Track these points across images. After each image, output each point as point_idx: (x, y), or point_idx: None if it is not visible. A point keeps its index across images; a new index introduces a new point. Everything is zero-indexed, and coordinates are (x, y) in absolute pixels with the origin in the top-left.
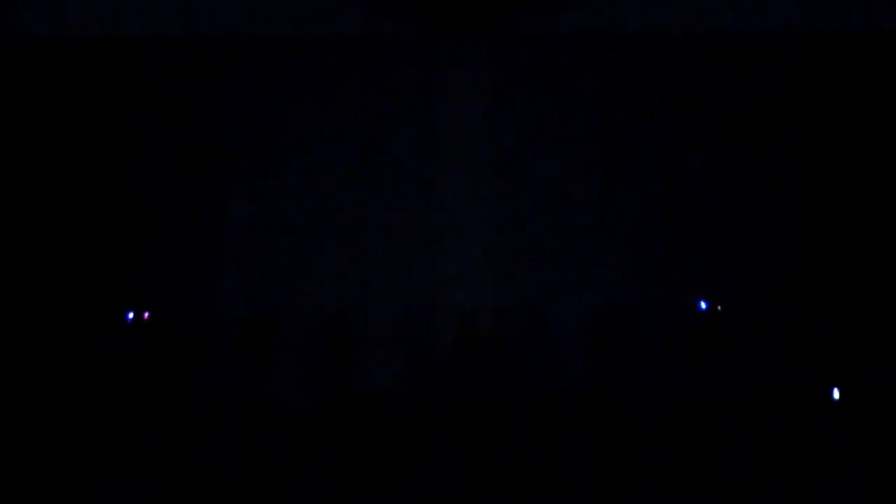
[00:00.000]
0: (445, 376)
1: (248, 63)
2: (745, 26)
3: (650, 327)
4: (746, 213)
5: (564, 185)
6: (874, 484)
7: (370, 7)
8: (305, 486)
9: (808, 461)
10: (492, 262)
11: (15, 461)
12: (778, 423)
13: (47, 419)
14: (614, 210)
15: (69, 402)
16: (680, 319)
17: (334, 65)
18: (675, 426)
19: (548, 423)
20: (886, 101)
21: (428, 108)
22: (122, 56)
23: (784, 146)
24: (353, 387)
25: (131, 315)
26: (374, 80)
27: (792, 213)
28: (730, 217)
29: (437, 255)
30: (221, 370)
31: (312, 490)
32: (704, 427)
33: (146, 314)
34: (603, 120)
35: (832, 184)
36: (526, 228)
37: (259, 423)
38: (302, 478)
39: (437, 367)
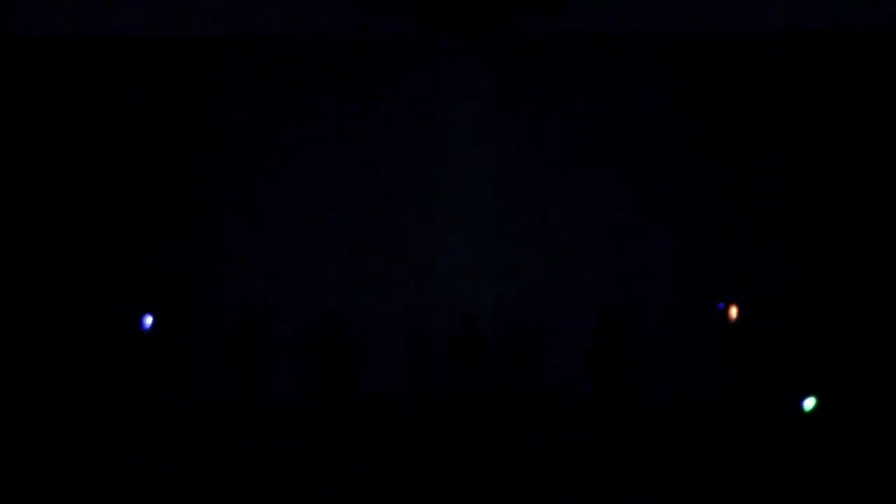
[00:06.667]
0: (445, 376)
1: (248, 63)
2: (745, 26)
3: (650, 327)
4: (747, 213)
5: (564, 185)
6: (873, 484)
7: (370, 8)
8: (303, 486)
9: (807, 461)
10: (492, 262)
11: (15, 461)
12: (777, 424)
13: (46, 418)
14: (615, 210)
15: (69, 399)
16: (680, 319)
17: (334, 65)
18: (676, 426)
19: (548, 422)
20: (887, 101)
21: (428, 109)
22: (121, 56)
23: (784, 146)
24: (352, 386)
25: (148, 321)
26: (373, 81)
27: (792, 213)
28: (731, 217)
29: (437, 254)
30: (219, 369)
31: (310, 490)
32: (705, 427)
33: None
34: (603, 120)
35: (832, 184)
36: (526, 228)
37: (256, 422)
38: (299, 477)
39: (437, 367)
